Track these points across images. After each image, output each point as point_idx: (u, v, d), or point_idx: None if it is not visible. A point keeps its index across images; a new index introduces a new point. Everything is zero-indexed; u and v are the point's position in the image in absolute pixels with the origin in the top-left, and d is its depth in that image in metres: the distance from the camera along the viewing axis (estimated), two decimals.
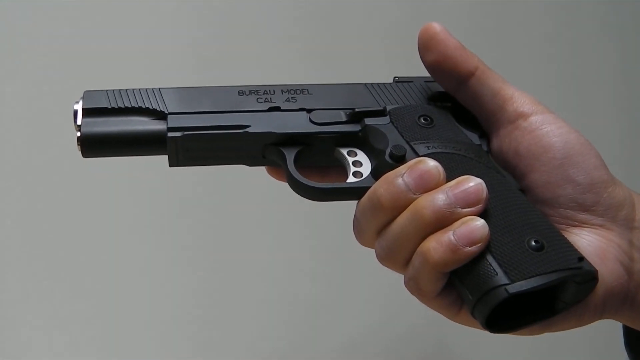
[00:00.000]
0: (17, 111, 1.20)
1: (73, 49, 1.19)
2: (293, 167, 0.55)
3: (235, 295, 1.30)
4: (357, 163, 0.56)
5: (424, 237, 0.49)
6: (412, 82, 0.60)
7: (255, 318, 1.30)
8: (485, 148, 0.56)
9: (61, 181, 1.21)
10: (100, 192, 1.23)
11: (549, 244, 0.49)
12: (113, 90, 0.57)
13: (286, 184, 0.56)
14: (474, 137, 0.56)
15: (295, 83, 0.59)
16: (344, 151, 0.57)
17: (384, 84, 0.60)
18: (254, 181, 1.27)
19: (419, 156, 0.53)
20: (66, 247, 1.22)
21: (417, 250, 0.50)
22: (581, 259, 0.48)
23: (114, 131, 0.56)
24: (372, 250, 0.53)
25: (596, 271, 0.48)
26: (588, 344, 1.31)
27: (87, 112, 0.56)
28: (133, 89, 0.58)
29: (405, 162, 0.52)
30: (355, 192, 0.54)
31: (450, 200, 0.49)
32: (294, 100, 0.58)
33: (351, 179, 0.55)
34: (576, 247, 0.49)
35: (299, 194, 0.55)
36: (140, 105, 0.56)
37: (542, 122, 0.54)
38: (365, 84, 0.60)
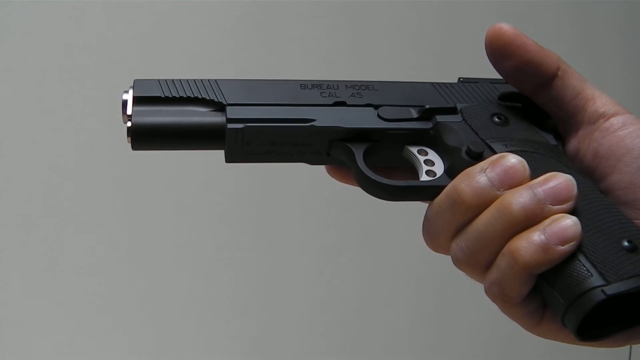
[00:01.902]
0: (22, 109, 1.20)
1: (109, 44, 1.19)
2: (363, 163, 0.52)
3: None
4: (428, 162, 0.53)
5: (511, 236, 0.46)
6: (478, 82, 0.58)
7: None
8: (560, 149, 0.53)
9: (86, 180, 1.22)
10: (111, 194, 1.23)
11: None
12: (165, 79, 0.53)
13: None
14: (550, 138, 0.53)
15: (358, 80, 0.57)
16: (414, 150, 0.54)
17: (450, 83, 0.57)
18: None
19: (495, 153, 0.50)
20: (81, 246, 1.23)
21: (503, 251, 0.47)
22: None
23: (168, 122, 0.51)
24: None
25: None
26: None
27: (138, 101, 0.52)
28: (187, 79, 0.54)
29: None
30: (431, 191, 0.50)
31: (540, 197, 0.46)
32: (359, 96, 0.55)
33: (424, 177, 0.52)
34: None
35: (369, 192, 0.52)
36: (196, 95, 0.53)
37: (623, 122, 0.52)
38: (431, 83, 0.57)
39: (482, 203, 0.47)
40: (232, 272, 1.30)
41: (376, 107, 0.54)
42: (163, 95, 0.52)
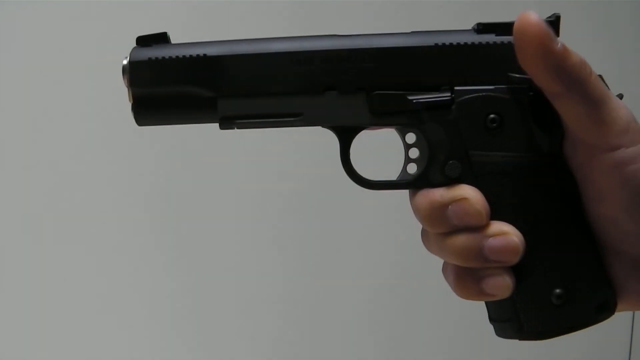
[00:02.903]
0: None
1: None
2: (348, 160, 0.55)
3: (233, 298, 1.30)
4: (412, 151, 0.55)
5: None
6: (495, 43, 0.52)
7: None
8: (558, 148, 0.51)
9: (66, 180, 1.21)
10: (95, 195, 1.23)
11: (574, 293, 0.51)
12: (157, 58, 0.54)
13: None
14: (546, 143, 0.51)
15: (356, 39, 0.53)
16: (401, 135, 0.55)
17: (459, 44, 0.52)
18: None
19: (473, 177, 0.52)
20: (72, 247, 1.23)
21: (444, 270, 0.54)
22: (600, 307, 0.52)
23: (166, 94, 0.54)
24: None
25: (611, 315, 0.52)
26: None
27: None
28: (178, 56, 0.53)
29: (461, 182, 0.52)
30: (404, 187, 0.54)
31: (485, 254, 0.50)
32: (352, 73, 0.52)
33: (406, 170, 0.55)
34: (605, 280, 0.52)
35: (352, 179, 0.55)
36: (188, 85, 0.53)
37: (627, 158, 0.48)
38: (436, 45, 0.52)
39: (437, 225, 0.52)
40: (232, 271, 1.30)
41: (368, 92, 0.53)
42: (155, 83, 0.53)
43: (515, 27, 0.48)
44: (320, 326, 1.35)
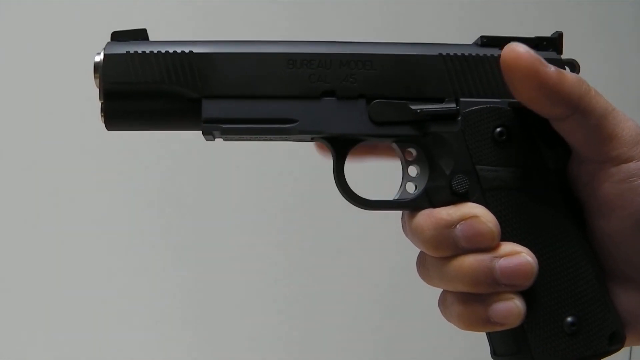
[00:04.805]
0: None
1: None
2: (342, 175, 0.50)
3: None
4: (412, 169, 0.51)
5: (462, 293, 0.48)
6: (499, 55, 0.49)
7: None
8: (562, 164, 0.50)
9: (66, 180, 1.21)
10: (97, 196, 1.23)
11: (586, 321, 0.48)
12: (137, 52, 0.49)
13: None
14: (551, 160, 0.49)
15: (358, 46, 0.50)
16: (400, 150, 0.51)
17: (464, 55, 0.50)
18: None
19: (481, 193, 0.48)
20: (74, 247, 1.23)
21: (449, 304, 0.49)
22: (612, 336, 0.49)
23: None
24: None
25: (621, 347, 0.49)
26: None
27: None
28: (161, 52, 0.49)
29: (467, 199, 0.48)
30: (404, 207, 0.50)
31: (497, 275, 0.46)
32: (352, 80, 0.49)
33: (404, 190, 0.51)
34: (615, 313, 0.49)
35: (346, 198, 0.51)
36: (171, 85, 0.49)
37: (631, 174, 0.47)
38: (441, 55, 0.50)
39: (441, 248, 0.47)
40: (233, 271, 1.30)
41: (369, 99, 0.49)
42: (132, 79, 0.49)
43: (502, 61, 0.46)
44: (320, 326, 1.35)
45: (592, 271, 0.49)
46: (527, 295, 0.47)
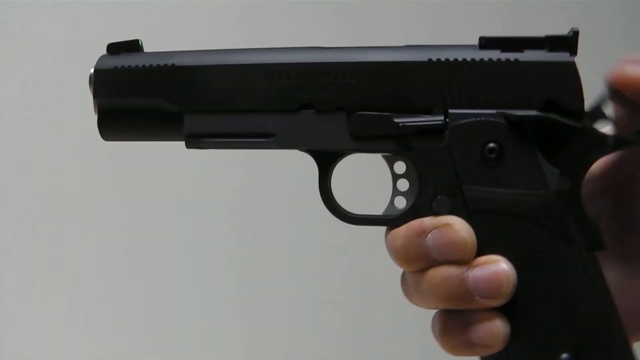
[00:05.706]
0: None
1: None
2: (327, 188, 0.48)
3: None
4: (401, 182, 0.48)
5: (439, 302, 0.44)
6: (500, 60, 0.45)
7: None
8: (571, 185, 0.45)
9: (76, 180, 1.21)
10: (106, 195, 1.23)
11: (585, 358, 0.43)
12: (123, 66, 0.49)
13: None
14: (556, 178, 0.44)
15: (340, 52, 0.47)
16: (389, 163, 0.48)
17: (457, 60, 0.45)
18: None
19: (466, 215, 0.44)
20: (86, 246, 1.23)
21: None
22: None
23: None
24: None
25: None
26: None
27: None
28: (145, 65, 0.48)
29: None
30: (389, 223, 0.47)
31: (470, 286, 0.43)
32: (332, 90, 0.46)
33: (390, 207, 0.48)
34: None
35: (331, 212, 0.49)
36: (153, 100, 0.48)
37: None
38: (430, 60, 0.45)
39: (412, 259, 0.44)
40: (233, 272, 1.30)
41: (349, 113, 0.46)
42: (119, 94, 0.49)
43: (615, 77, 0.42)
44: (321, 325, 1.35)
45: (599, 301, 0.43)
46: (516, 326, 0.43)
